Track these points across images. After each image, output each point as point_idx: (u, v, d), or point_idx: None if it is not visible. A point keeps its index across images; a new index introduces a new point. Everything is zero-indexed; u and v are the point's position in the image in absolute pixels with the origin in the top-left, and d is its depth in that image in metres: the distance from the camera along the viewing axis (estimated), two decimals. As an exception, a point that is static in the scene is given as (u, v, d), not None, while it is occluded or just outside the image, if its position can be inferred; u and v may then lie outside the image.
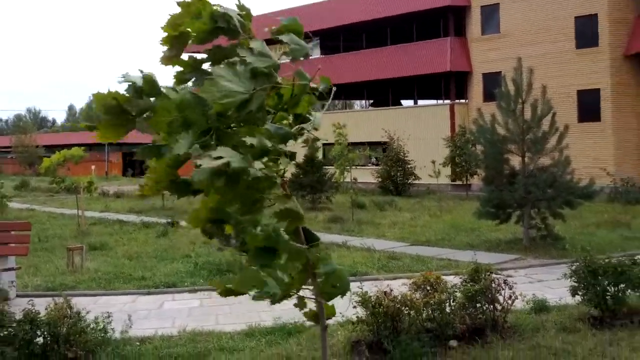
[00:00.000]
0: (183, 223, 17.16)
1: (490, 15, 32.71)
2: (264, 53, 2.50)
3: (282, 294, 2.76)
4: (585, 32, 29.15)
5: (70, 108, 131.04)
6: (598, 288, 6.71)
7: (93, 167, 35.87)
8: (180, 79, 2.61)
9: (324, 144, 31.74)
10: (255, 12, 2.72)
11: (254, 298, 2.73)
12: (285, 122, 2.80)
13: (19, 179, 43.38)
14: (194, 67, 2.61)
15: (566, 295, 7.40)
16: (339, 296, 2.83)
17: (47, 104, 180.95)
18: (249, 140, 2.37)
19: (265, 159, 2.50)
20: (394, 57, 36.38)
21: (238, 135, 2.45)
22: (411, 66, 35.16)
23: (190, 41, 2.61)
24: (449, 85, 34.46)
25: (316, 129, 2.81)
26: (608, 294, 6.74)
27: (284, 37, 2.64)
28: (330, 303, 2.99)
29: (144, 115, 2.46)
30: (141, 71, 2.49)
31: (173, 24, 2.52)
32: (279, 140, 2.57)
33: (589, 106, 28.95)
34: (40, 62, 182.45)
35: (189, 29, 2.53)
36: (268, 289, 2.69)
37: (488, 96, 27.98)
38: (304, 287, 2.86)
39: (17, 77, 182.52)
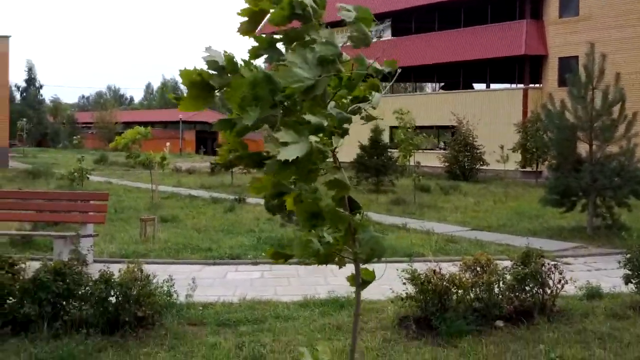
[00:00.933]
0: (250, 199, 17.77)
1: (568, -2, 31.70)
2: (331, 42, 2.76)
3: (325, 253, 3.10)
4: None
5: (148, 87, 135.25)
6: (651, 277, 6.71)
7: (168, 144, 37.20)
8: (254, 53, 2.90)
9: (390, 127, 31.71)
10: None
11: (300, 258, 3.09)
12: (344, 100, 3.12)
13: (98, 153, 45.48)
14: (269, 44, 2.89)
15: (622, 283, 7.39)
16: (376, 260, 3.13)
17: (126, 82, 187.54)
18: (308, 117, 2.67)
19: (320, 135, 2.77)
20: (466, 40, 35.81)
21: (300, 112, 2.74)
22: (484, 49, 34.54)
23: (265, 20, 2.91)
24: (523, 69, 33.70)
25: (374, 108, 3.05)
26: (662, 283, 6.73)
27: (352, 27, 2.90)
28: (371, 268, 3.32)
29: (222, 90, 2.78)
30: (225, 51, 2.81)
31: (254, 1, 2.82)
32: (337, 123, 2.86)
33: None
34: (120, 44, 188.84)
35: (267, 9, 2.81)
36: (313, 246, 3.00)
37: (563, 81, 27.25)
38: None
39: (99, 58, 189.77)
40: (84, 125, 79.06)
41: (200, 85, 2.78)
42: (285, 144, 2.56)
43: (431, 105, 36.67)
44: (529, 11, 33.33)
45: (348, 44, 3.02)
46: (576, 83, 13.20)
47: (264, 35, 2.96)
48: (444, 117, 34.30)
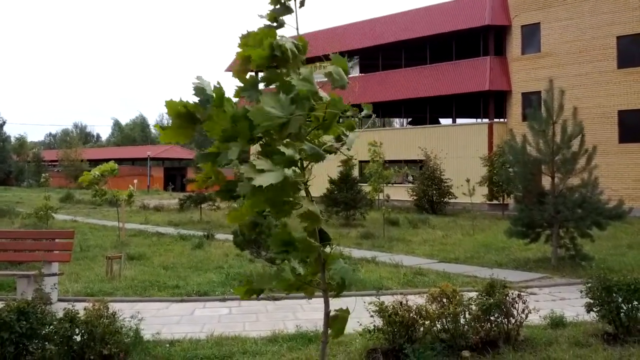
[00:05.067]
0: (218, 235, 17.68)
1: (530, 35, 32.73)
2: (308, 79, 2.95)
3: (297, 283, 3.19)
4: (628, 52, 28.96)
5: (115, 123, 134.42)
6: (612, 305, 6.86)
7: (135, 181, 36.89)
8: (239, 94, 3.10)
9: (360, 161, 32.07)
10: (298, 32, 3.15)
11: (275, 287, 3.17)
12: (320, 139, 3.26)
13: (64, 191, 44.83)
14: (252, 85, 3.08)
15: (584, 312, 7.53)
16: (346, 289, 3.22)
17: (93, 119, 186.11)
18: (283, 149, 2.81)
19: (292, 168, 2.92)
20: (432, 76, 36.60)
21: (277, 147, 2.88)
22: (450, 85, 35.32)
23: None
24: (487, 104, 34.50)
25: (348, 149, 3.22)
26: (622, 311, 6.88)
27: (331, 69, 3.11)
28: (340, 302, 3.40)
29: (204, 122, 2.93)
30: (218, 83, 2.98)
31: (244, 46, 3.02)
32: (311, 158, 3.00)
33: (630, 127, 28.67)
34: (86, 81, 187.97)
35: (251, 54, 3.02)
36: (285, 275, 3.14)
37: (526, 116, 27.96)
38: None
39: (65, 95, 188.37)
40: (50, 163, 78.06)
41: (185, 117, 2.93)
42: (261, 171, 2.69)
43: (399, 140, 37.19)
44: (492, 48, 34.29)
45: (323, 79, 3.18)
46: (537, 118, 13.57)
47: (247, 77, 3.13)
48: (411, 152, 34.82)
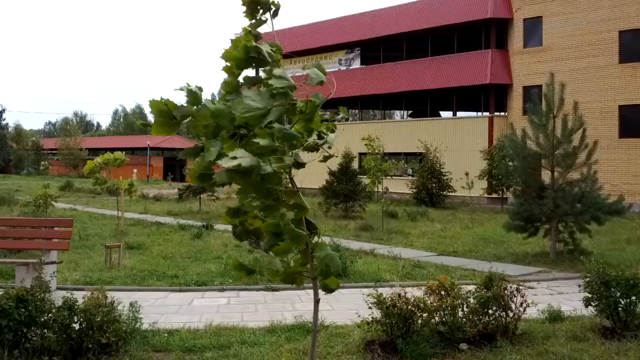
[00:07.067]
0: (218, 226, 17.70)
1: (532, 28, 32.62)
2: (283, 77, 3.14)
3: (285, 272, 3.39)
4: (630, 46, 28.87)
5: (115, 113, 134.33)
6: (610, 300, 6.88)
7: (135, 170, 36.87)
8: (224, 97, 3.30)
9: (360, 153, 32.07)
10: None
11: (265, 275, 3.32)
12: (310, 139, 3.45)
13: (63, 180, 44.84)
14: (235, 88, 3.30)
15: (582, 306, 7.54)
16: (330, 276, 3.33)
17: (93, 107, 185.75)
18: (258, 140, 3.00)
19: (273, 157, 3.11)
20: (433, 69, 36.51)
21: (256, 139, 3.05)
22: (451, 78, 35.23)
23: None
24: (488, 97, 34.44)
25: (330, 147, 3.40)
26: (620, 305, 6.90)
27: (309, 71, 3.33)
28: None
29: (187, 120, 3.17)
30: (198, 88, 3.22)
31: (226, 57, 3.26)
32: (284, 138, 3.14)
33: (630, 122, 28.64)
34: (87, 70, 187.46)
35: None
36: (275, 264, 3.35)
37: (527, 110, 27.90)
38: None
39: (66, 84, 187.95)
40: (49, 151, 78.00)
41: (167, 114, 3.11)
42: (234, 158, 2.87)
43: (399, 132, 37.15)
44: (494, 41, 34.18)
45: (299, 72, 3.34)
46: (537, 111, 13.55)
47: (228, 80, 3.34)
48: (412, 145, 34.81)
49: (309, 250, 3.30)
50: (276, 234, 3.23)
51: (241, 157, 2.87)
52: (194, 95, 3.15)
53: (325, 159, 3.56)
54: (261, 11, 3.29)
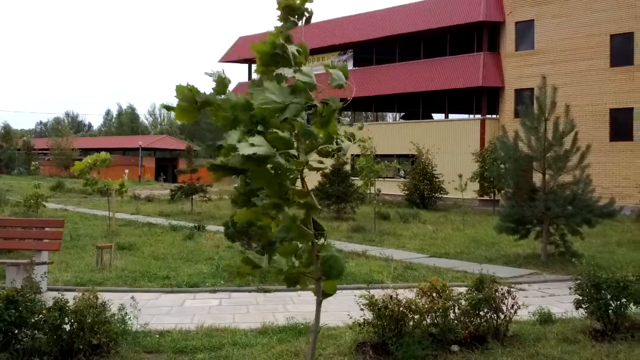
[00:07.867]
0: (209, 227, 17.66)
1: (524, 32, 32.77)
2: (308, 74, 3.26)
3: (289, 273, 3.42)
4: (621, 50, 29.05)
5: (107, 113, 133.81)
6: (601, 302, 6.91)
7: (126, 171, 36.75)
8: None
9: (352, 155, 32.09)
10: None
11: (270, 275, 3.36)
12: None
13: (55, 180, 44.63)
14: (259, 85, 3.37)
15: (573, 309, 7.58)
16: (334, 278, 3.34)
17: (85, 108, 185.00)
18: (277, 132, 3.11)
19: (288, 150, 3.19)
20: (426, 71, 36.61)
21: (274, 134, 3.15)
22: (443, 80, 35.34)
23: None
24: (480, 100, 34.56)
25: (344, 155, 3.52)
26: (610, 307, 6.93)
27: (333, 72, 3.41)
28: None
29: (208, 108, 3.27)
30: (223, 72, 3.31)
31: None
32: (303, 134, 3.26)
33: (621, 125, 28.81)
34: (79, 70, 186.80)
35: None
36: (280, 263, 3.40)
37: (519, 112, 28.01)
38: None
39: (57, 83, 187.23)
40: (41, 151, 77.57)
41: (190, 100, 3.21)
42: (252, 145, 2.95)
43: (392, 134, 37.23)
44: (486, 44, 34.32)
45: (321, 71, 3.46)
46: (529, 114, 13.61)
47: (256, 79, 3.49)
48: (404, 147, 34.86)
49: (315, 250, 3.31)
50: (284, 230, 3.30)
51: (258, 146, 2.96)
52: (222, 83, 3.25)
53: (340, 165, 3.62)
54: (296, 17, 3.39)
